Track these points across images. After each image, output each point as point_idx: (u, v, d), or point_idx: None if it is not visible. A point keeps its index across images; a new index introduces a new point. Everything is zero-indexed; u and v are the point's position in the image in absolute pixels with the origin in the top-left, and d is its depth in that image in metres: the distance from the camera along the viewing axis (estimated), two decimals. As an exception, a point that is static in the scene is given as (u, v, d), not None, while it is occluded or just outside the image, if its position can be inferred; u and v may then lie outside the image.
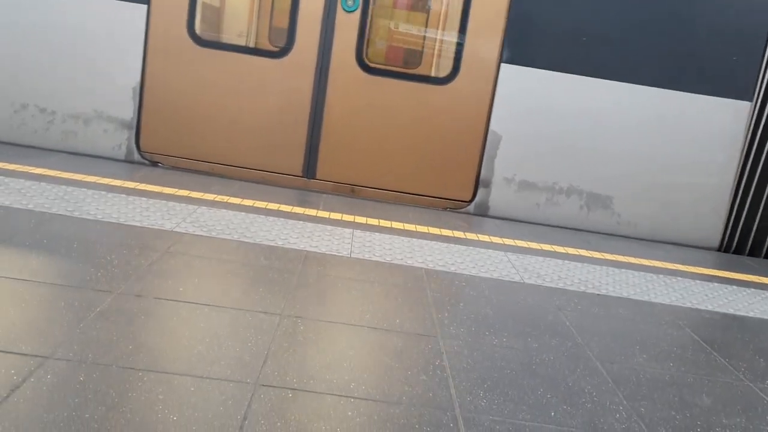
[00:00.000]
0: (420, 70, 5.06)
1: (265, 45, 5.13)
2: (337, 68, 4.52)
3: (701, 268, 4.12)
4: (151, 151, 4.62)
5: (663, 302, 3.33)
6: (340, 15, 4.44)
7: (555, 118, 4.57)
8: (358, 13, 4.43)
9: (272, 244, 3.25)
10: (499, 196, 4.68)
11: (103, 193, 3.60)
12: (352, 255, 3.27)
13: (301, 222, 3.67)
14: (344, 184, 4.68)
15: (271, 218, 3.65)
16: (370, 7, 4.50)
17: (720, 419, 2.22)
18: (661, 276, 3.78)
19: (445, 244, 3.70)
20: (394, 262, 3.27)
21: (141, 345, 2.08)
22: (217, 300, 2.51)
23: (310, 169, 4.63)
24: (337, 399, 1.95)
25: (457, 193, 4.71)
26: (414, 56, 5.21)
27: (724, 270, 4.18)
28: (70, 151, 4.55)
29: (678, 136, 4.63)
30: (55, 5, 4.37)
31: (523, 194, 4.68)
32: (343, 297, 2.74)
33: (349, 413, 1.89)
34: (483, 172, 4.65)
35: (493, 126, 4.56)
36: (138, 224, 3.21)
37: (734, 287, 3.81)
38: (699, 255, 4.52)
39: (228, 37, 5.26)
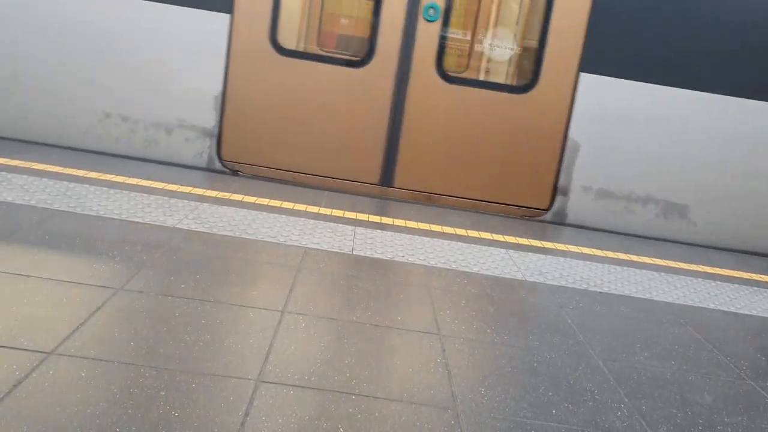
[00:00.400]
0: (499, 79, 5.10)
1: (345, 54, 5.10)
2: (417, 78, 4.57)
3: (703, 266, 4.12)
4: (232, 159, 4.64)
5: (664, 300, 3.33)
6: (421, 25, 4.48)
7: (633, 127, 4.59)
8: (438, 23, 4.48)
9: (274, 240, 3.25)
10: (576, 204, 4.71)
11: (105, 189, 3.60)
12: (354, 252, 3.28)
13: (302, 219, 3.68)
14: (422, 192, 4.72)
15: (273, 215, 3.65)
16: (452, 17, 4.55)
17: (721, 417, 2.22)
18: (662, 274, 3.78)
19: (447, 242, 3.70)
20: (396, 260, 3.27)
21: (142, 341, 2.08)
22: (219, 296, 2.51)
23: (387, 177, 4.68)
24: (338, 396, 1.96)
25: (535, 202, 4.74)
26: (493, 65, 5.24)
27: (725, 268, 4.18)
28: (152, 160, 4.57)
29: (755, 145, 4.64)
30: (139, 15, 4.38)
31: (601, 203, 4.71)
32: (344, 294, 2.74)
33: (350, 410, 1.89)
34: (561, 180, 4.68)
35: (571, 134, 4.60)
36: (140, 220, 3.21)
37: (736, 285, 3.81)
38: (703, 252, 4.52)
39: (309, 47, 5.28)
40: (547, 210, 4.75)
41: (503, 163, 4.67)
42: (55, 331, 2.05)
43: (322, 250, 3.22)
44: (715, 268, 4.13)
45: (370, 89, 4.57)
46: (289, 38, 4.89)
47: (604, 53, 4.49)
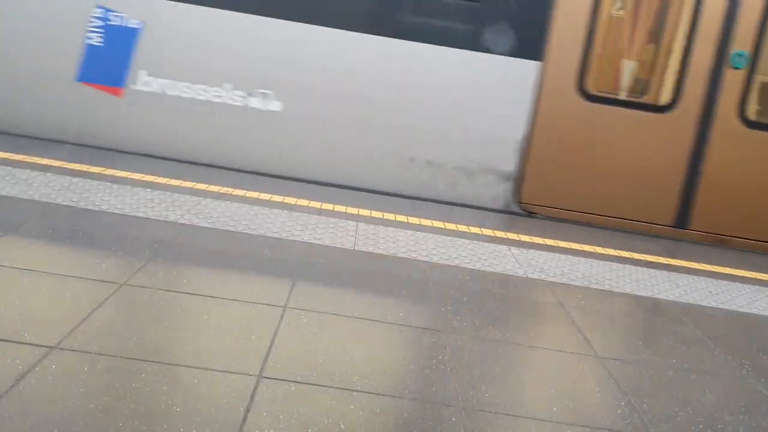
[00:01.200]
0: None
1: (647, 99, 5.09)
2: (720, 123, 4.64)
3: (705, 265, 4.11)
4: (531, 202, 4.71)
5: (666, 298, 3.33)
6: (728, 72, 4.57)
7: None
8: (745, 71, 4.57)
9: (276, 236, 3.25)
10: None
11: (108, 184, 3.61)
12: (356, 248, 3.28)
13: (305, 214, 3.68)
14: (717, 234, 4.79)
15: (275, 211, 3.65)
16: (758, 64, 4.62)
17: (723, 416, 2.22)
18: (664, 272, 3.78)
19: (449, 238, 3.70)
20: (398, 255, 3.27)
21: (145, 336, 2.09)
22: (221, 292, 2.51)
23: (683, 219, 4.77)
24: (339, 392, 1.96)
25: None
26: None
27: (728, 267, 4.18)
28: (453, 202, 4.64)
29: None
30: (445, 63, 4.47)
31: None
32: (346, 289, 2.74)
33: (352, 407, 1.90)
34: None
35: None
36: (142, 215, 3.21)
37: (738, 284, 3.81)
38: (703, 249, 4.51)
39: (615, 93, 5.32)
40: None
41: None
42: (58, 326, 2.05)
43: (325, 246, 3.22)
44: (716, 267, 4.12)
45: (672, 133, 4.65)
46: (595, 84, 4.94)
47: None
